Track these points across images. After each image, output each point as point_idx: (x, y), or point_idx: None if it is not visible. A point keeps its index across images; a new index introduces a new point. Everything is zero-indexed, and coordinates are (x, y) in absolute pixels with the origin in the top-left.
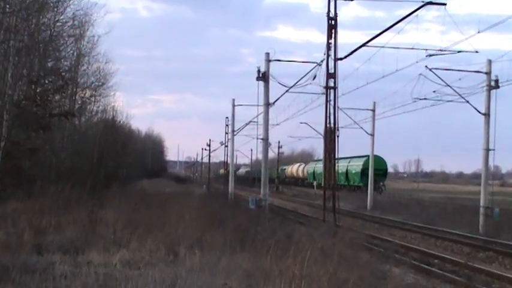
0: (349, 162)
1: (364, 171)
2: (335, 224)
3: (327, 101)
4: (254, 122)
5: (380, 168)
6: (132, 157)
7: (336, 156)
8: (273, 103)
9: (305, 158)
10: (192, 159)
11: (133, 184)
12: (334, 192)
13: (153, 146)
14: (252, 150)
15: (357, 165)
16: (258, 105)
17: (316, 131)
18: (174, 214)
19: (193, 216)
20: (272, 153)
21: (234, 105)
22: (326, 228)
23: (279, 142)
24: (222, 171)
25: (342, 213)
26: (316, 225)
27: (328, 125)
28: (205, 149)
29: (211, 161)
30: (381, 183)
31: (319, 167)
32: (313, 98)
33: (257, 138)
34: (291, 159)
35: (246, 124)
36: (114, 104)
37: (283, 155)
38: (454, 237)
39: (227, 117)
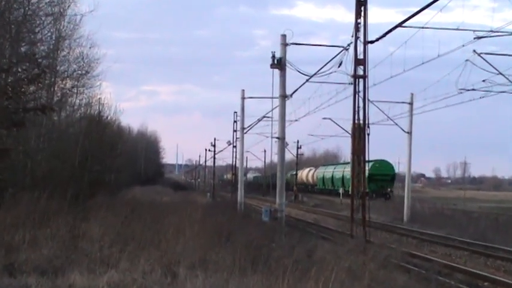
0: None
1: (371, 177)
2: (365, 239)
3: (355, 92)
4: (268, 117)
5: (387, 173)
6: (121, 160)
7: (367, 158)
8: (291, 95)
9: (329, 160)
10: (194, 162)
11: (124, 192)
12: (363, 202)
13: (147, 147)
14: (265, 151)
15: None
16: (272, 98)
17: (342, 128)
18: (172, 228)
19: (195, 230)
20: (290, 155)
21: (243, 98)
22: (354, 245)
23: (297, 142)
24: (228, 176)
25: (374, 226)
26: (343, 241)
27: (356, 121)
28: (209, 150)
29: (216, 164)
30: (389, 189)
31: (329, 172)
32: (339, 89)
33: (271, 137)
34: (312, 162)
35: (259, 120)
36: (100, 97)
37: (302, 157)
38: (508, 255)
39: (235, 112)
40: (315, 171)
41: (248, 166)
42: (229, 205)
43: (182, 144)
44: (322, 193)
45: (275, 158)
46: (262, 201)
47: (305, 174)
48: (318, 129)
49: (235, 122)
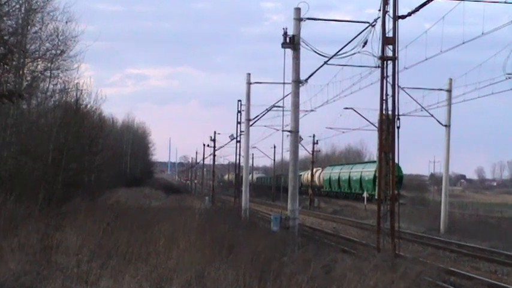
0: (363, 168)
1: (375, 179)
2: (394, 253)
3: (382, 77)
4: (279, 107)
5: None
6: (103, 157)
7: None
8: (306, 80)
9: (351, 158)
10: (190, 160)
11: (106, 195)
12: (392, 208)
13: (134, 141)
14: (274, 147)
15: (369, 172)
16: (284, 83)
17: (366, 120)
18: (163, 238)
19: (191, 241)
20: (304, 152)
21: (249, 83)
22: (381, 260)
23: (313, 136)
24: (229, 177)
25: (405, 237)
26: (367, 255)
27: (384, 112)
28: (208, 146)
29: (216, 163)
30: (396, 192)
31: (336, 173)
32: (363, 74)
33: (282, 131)
34: (332, 160)
35: (267, 110)
36: (78, 82)
37: (320, 154)
38: None
39: (240, 101)
40: (321, 172)
41: (254, 165)
42: (232, 211)
43: (176, 139)
44: (336, 197)
45: (287, 156)
46: (270, 207)
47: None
48: (338, 121)
49: (239, 112)
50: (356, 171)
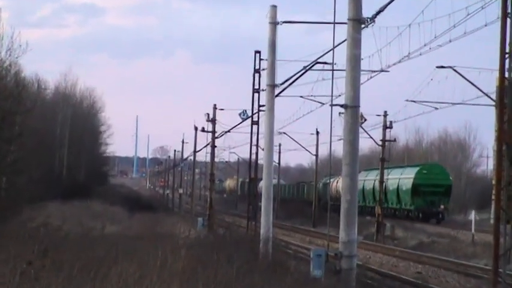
0: (401, 175)
1: (416, 188)
2: None
3: (505, 13)
4: (324, 63)
5: (440, 183)
6: (22, 148)
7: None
8: (372, 19)
9: (448, 152)
10: (171, 155)
11: (26, 214)
12: None
13: (75, 122)
14: (317, 133)
15: (407, 179)
16: (334, 23)
17: (476, 87)
18: None
19: None
20: (368, 143)
21: (275, 23)
22: None
23: (384, 114)
24: (229, 183)
25: None
26: None
27: (507, 75)
28: (203, 130)
29: (216, 160)
30: (442, 207)
31: (371, 180)
32: (470, 9)
33: (331, 105)
34: (414, 155)
35: (305, 69)
36: None
37: (395, 146)
38: None
39: (258, 52)
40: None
41: (282, 163)
42: (242, 243)
43: (148, 119)
44: (371, 214)
45: (336, 147)
46: (308, 236)
47: (340, 184)
48: (427, 89)
49: (257, 72)
50: (392, 179)
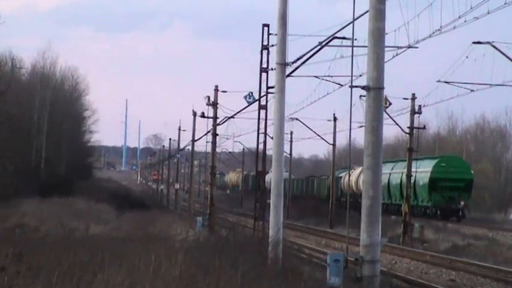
0: (417, 167)
1: (434, 183)
2: None
3: None
4: (343, 38)
5: (460, 177)
6: None
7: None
8: None
9: (487, 141)
10: (166, 145)
11: None
12: None
13: (54, 106)
14: (335, 119)
15: (424, 173)
16: None
17: None
18: None
19: None
20: (394, 131)
21: None
22: None
23: (413, 97)
24: (232, 177)
25: None
26: None
27: None
28: (203, 116)
29: (218, 150)
30: (462, 203)
31: (386, 174)
32: None
33: (351, 87)
34: (446, 145)
35: (322, 45)
36: None
37: (426, 134)
38: None
39: (267, 26)
40: (360, 172)
41: (294, 153)
42: (249, 246)
43: (138, 103)
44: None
45: (357, 135)
46: (324, 238)
47: (354, 178)
48: (461, 68)
49: (265, 49)
50: (397, 172)
